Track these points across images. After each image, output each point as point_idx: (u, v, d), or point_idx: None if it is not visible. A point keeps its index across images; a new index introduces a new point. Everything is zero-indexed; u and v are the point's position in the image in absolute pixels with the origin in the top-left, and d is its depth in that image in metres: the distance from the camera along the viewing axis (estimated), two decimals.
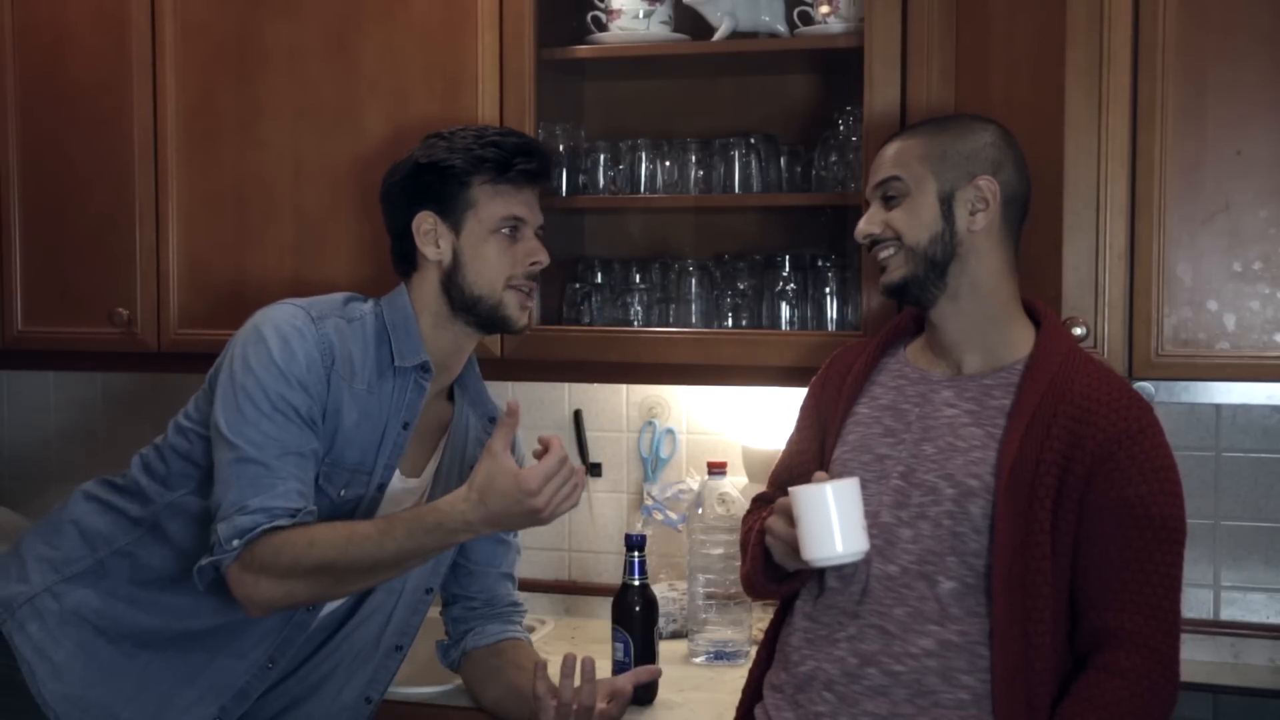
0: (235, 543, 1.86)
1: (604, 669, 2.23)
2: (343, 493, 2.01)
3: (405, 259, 2.09)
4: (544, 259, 2.08)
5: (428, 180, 2.04)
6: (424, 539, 1.87)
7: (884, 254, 1.94)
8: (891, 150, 1.96)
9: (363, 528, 1.90)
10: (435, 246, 2.04)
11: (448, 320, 2.07)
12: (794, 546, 1.79)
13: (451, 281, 2.04)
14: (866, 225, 1.96)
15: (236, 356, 1.96)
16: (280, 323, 1.97)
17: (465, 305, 2.05)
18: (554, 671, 2.00)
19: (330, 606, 2.07)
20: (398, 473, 2.07)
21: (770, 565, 1.93)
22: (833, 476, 1.87)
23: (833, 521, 1.75)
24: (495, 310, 2.05)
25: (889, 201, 1.93)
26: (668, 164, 2.57)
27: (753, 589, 2.03)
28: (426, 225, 2.04)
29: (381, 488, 2.04)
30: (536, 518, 1.84)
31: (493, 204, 2.03)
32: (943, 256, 1.90)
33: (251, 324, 2.00)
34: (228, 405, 1.94)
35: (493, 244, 2.04)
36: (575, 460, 2.77)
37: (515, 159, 2.03)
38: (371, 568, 1.89)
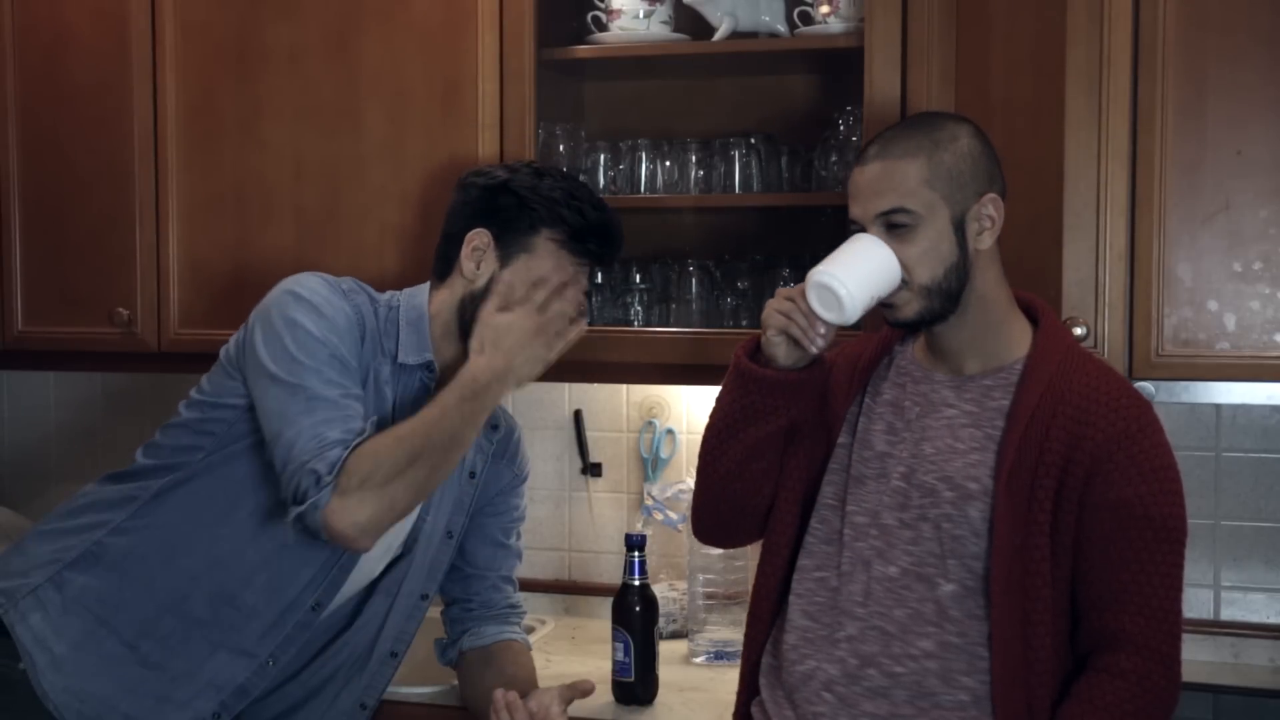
0: (328, 477, 1.86)
1: (604, 668, 2.24)
2: None
3: (445, 262, 2.06)
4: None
5: (506, 204, 2.02)
6: (468, 402, 1.92)
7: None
8: (877, 173, 1.83)
9: (426, 412, 1.93)
10: (476, 266, 2.01)
11: (454, 336, 2.04)
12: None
13: (469, 305, 2.02)
14: None
15: (275, 316, 1.94)
16: (312, 287, 1.98)
17: (470, 332, 2.00)
18: (553, 677, 2.00)
19: (334, 605, 2.06)
20: None
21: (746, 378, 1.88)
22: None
23: (866, 271, 1.78)
24: None
25: (893, 231, 1.82)
26: (668, 164, 2.57)
27: (719, 414, 1.94)
28: (479, 242, 2.01)
29: None
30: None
31: (547, 261, 2.01)
32: (957, 285, 1.84)
33: (281, 289, 1.98)
34: (281, 356, 1.92)
35: None
36: (575, 460, 2.81)
37: (590, 237, 2.02)
38: (449, 443, 1.92)
